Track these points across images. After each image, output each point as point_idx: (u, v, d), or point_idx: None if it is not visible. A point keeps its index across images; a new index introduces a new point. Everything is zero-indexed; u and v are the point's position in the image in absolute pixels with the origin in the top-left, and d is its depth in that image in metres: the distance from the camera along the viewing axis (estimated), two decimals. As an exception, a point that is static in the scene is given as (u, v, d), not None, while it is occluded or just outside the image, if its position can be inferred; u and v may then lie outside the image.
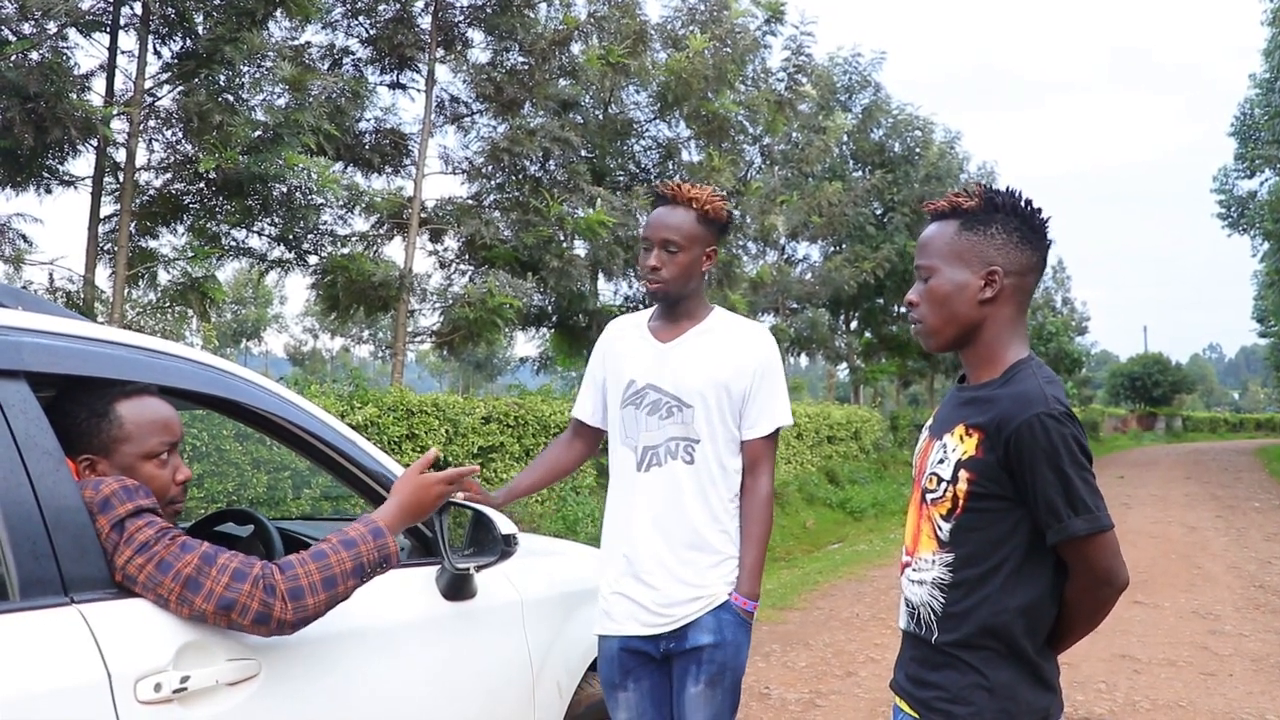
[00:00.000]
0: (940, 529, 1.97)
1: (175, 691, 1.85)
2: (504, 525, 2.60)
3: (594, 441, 3.11)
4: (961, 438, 1.95)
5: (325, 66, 10.92)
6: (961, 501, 1.93)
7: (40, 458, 1.83)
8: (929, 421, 2.16)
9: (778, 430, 2.85)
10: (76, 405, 2.06)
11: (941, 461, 1.98)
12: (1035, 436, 1.84)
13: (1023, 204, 1.98)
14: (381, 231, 12.38)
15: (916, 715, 2.02)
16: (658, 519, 2.76)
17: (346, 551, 2.09)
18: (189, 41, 8.79)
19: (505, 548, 2.59)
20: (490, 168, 12.24)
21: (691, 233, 2.78)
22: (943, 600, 1.97)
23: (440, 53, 11.39)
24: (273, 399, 2.41)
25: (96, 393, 2.07)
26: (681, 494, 2.75)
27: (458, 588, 2.64)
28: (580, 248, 12.57)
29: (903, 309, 25.04)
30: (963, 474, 1.92)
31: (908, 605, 2.08)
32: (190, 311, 10.12)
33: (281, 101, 9.10)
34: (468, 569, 2.61)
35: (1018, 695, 1.91)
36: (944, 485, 1.96)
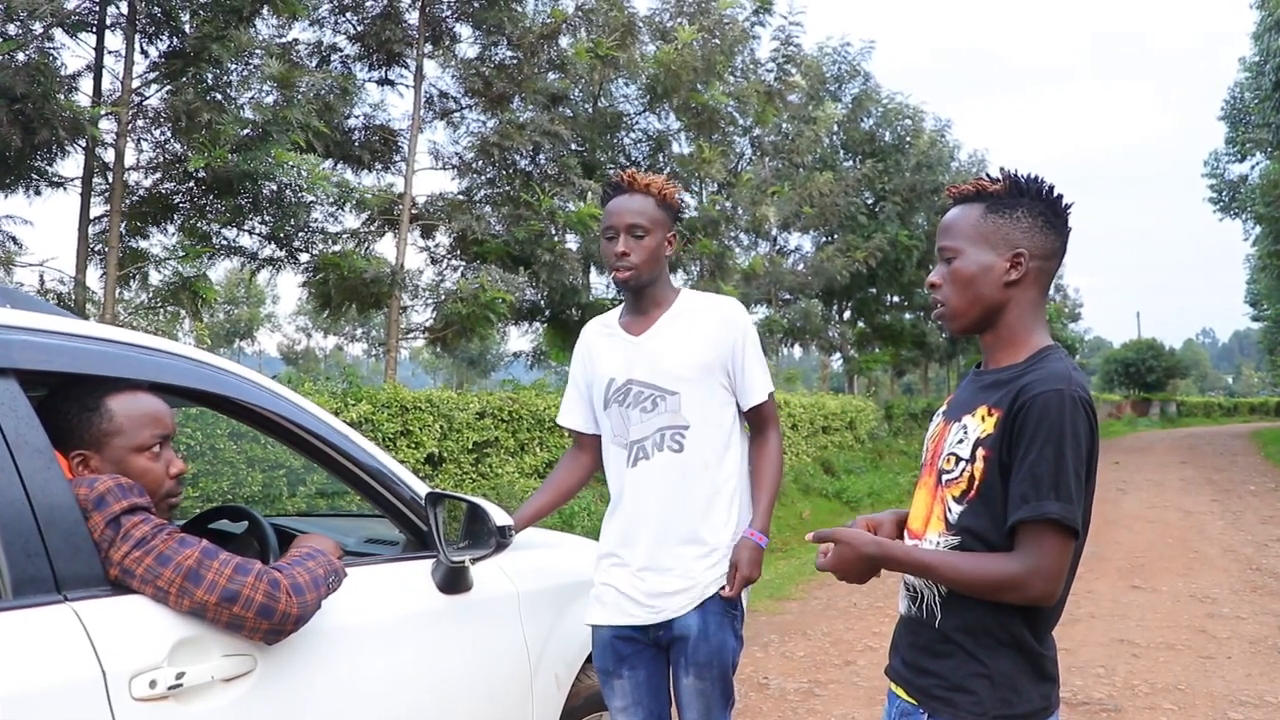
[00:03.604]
0: (951, 511, 1.95)
1: (170, 688, 1.84)
2: (499, 517, 2.60)
3: (597, 449, 3.07)
4: (983, 418, 1.93)
5: (313, 64, 10.89)
6: (977, 482, 1.90)
7: (31, 456, 1.82)
8: (942, 407, 2.15)
9: (772, 393, 2.89)
10: (67, 401, 2.06)
11: (960, 442, 1.96)
12: (1048, 408, 1.81)
13: (1047, 189, 1.98)
14: (372, 228, 12.36)
15: (914, 702, 2.00)
16: (646, 514, 2.76)
17: (318, 560, 2.16)
18: (176, 40, 8.75)
19: (500, 539, 2.58)
20: (480, 163, 12.22)
21: (654, 216, 2.80)
22: None
23: (428, 48, 11.36)
24: (266, 395, 2.40)
25: (86, 388, 2.07)
26: (669, 486, 2.75)
27: (453, 581, 2.63)
28: (572, 241, 12.56)
29: (896, 298, 25.20)
30: (980, 452, 1.90)
31: (909, 590, 2.06)
32: (183, 311, 10.09)
33: (270, 99, 9.06)
34: (463, 562, 2.61)
35: (1018, 684, 1.89)
36: (962, 465, 1.94)
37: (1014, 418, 1.85)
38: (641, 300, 2.87)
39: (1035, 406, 1.82)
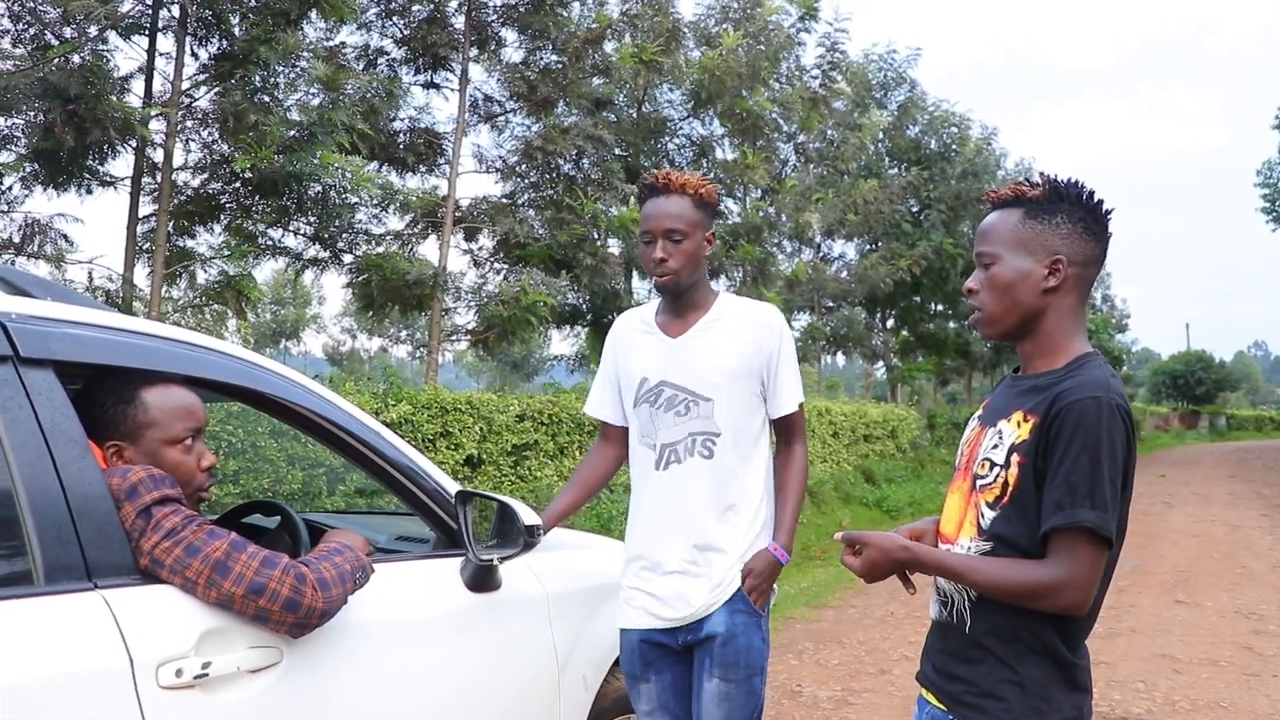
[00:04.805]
0: (984, 516, 1.93)
1: (197, 677, 1.86)
2: (527, 516, 2.60)
3: (624, 440, 3.04)
4: (1019, 423, 1.91)
5: (359, 67, 10.99)
6: (1011, 488, 1.88)
7: (66, 445, 1.85)
8: (978, 411, 2.13)
9: (802, 404, 2.86)
10: (103, 392, 2.09)
11: (995, 447, 1.94)
12: (1085, 415, 1.79)
13: (1087, 194, 1.95)
14: (416, 230, 12.45)
15: (945, 708, 1.99)
16: (675, 518, 2.75)
17: (345, 555, 2.18)
18: (225, 43, 8.88)
19: (528, 539, 2.58)
20: (524, 166, 12.28)
21: (692, 219, 2.76)
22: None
23: (474, 52, 11.44)
24: (299, 390, 2.42)
25: (122, 380, 2.10)
26: (699, 491, 2.73)
27: (481, 579, 2.64)
28: (614, 245, 12.59)
29: (940, 306, 24.99)
30: (1014, 458, 1.89)
31: (940, 594, 2.04)
32: (228, 311, 10.22)
33: (316, 101, 9.15)
34: (491, 560, 2.61)
35: (1049, 693, 1.87)
36: (996, 470, 1.92)
37: (1050, 424, 1.83)
38: (680, 302, 2.84)
39: (1072, 413, 1.80)
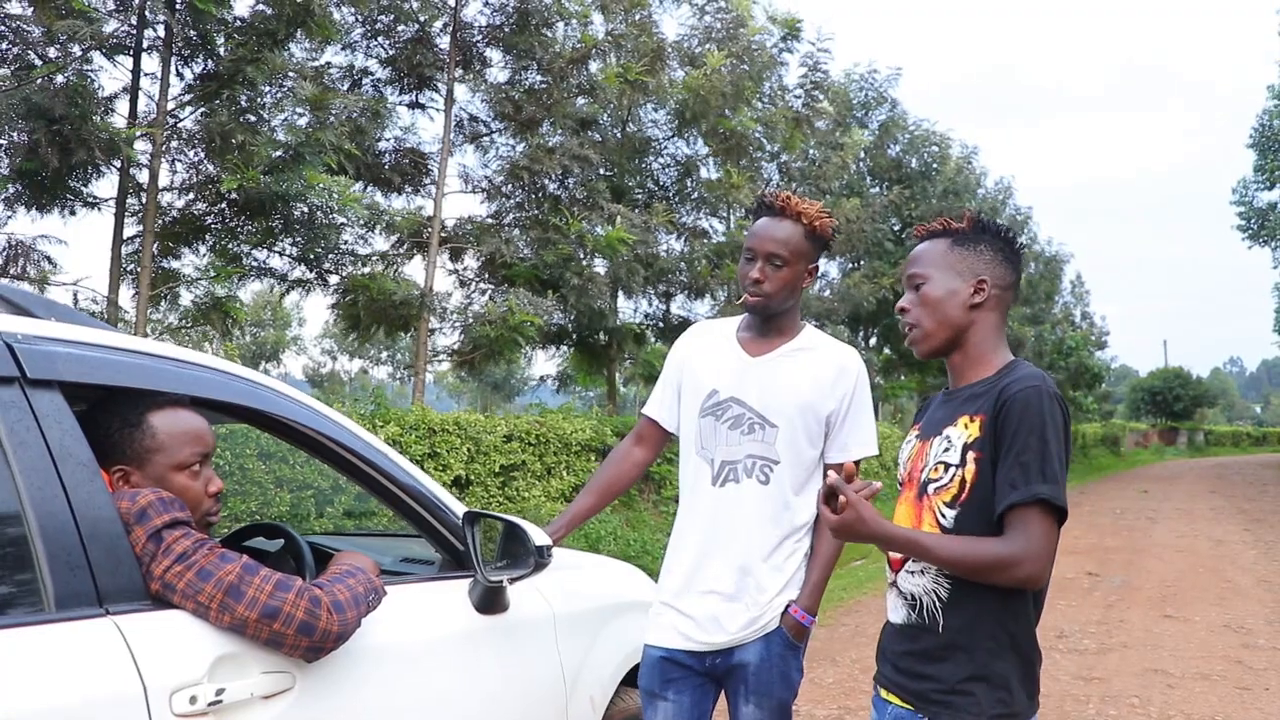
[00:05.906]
0: (944, 516, 2.07)
1: (210, 704, 1.82)
2: (537, 537, 2.58)
3: (659, 446, 3.01)
4: (965, 425, 2.08)
5: (345, 87, 11.00)
6: (969, 484, 2.03)
7: (75, 469, 1.82)
8: (913, 432, 2.30)
9: (861, 460, 2.77)
10: (110, 416, 2.05)
11: (947, 450, 2.10)
12: (1029, 403, 1.98)
13: (1005, 230, 2.23)
14: (402, 251, 12.43)
15: (911, 707, 2.09)
16: (724, 537, 2.70)
17: (358, 577, 2.15)
18: (211, 63, 8.87)
19: (539, 559, 2.56)
20: (509, 186, 12.29)
21: (798, 248, 2.70)
22: (949, 586, 2.05)
23: (459, 72, 11.46)
24: (305, 411, 2.39)
25: (129, 403, 2.06)
26: (754, 515, 2.68)
27: (490, 601, 2.61)
28: (600, 265, 12.59)
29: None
30: (970, 455, 2.05)
31: (906, 599, 2.15)
32: (212, 331, 10.16)
33: (302, 121, 9.15)
34: (500, 581, 2.58)
35: (1011, 685, 2.01)
36: (952, 470, 2.07)
37: (997, 416, 2.02)
38: (766, 325, 2.79)
39: (1017, 402, 1.99)
